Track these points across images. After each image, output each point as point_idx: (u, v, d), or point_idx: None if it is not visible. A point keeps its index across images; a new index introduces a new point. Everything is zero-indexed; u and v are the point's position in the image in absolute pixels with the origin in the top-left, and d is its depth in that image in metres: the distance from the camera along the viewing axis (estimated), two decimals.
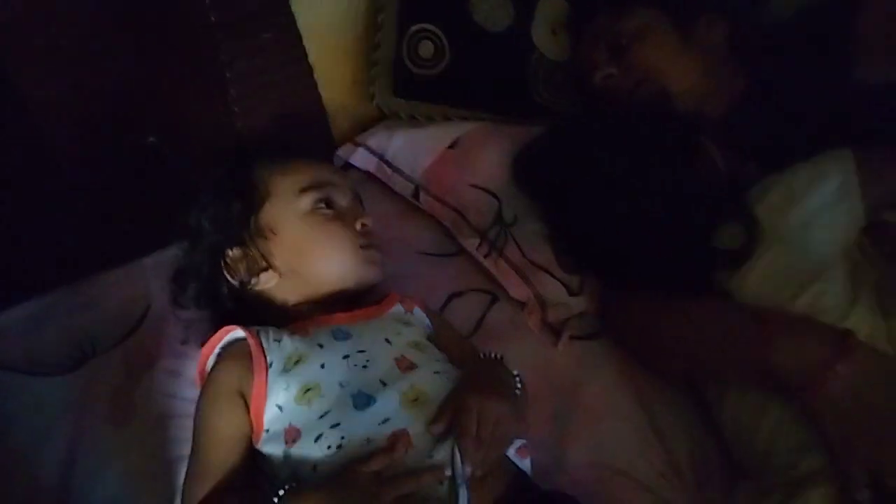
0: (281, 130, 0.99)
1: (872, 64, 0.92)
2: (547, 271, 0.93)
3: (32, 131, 1.04)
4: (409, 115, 1.07)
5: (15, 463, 0.72)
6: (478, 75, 1.07)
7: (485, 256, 0.96)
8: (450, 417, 0.62)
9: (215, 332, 0.78)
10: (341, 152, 1.08)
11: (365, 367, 0.68)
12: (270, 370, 0.67)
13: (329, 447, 0.61)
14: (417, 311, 0.81)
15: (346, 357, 0.69)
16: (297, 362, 0.68)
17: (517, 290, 0.93)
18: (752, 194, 0.83)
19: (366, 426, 0.63)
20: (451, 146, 1.03)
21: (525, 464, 0.71)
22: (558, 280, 0.93)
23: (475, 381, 0.68)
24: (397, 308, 0.80)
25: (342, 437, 0.62)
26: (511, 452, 0.69)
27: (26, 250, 0.93)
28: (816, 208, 0.80)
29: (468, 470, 0.59)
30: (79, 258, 0.93)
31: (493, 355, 0.73)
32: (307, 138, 1.04)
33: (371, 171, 1.07)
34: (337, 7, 1.03)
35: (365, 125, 1.11)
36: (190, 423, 0.75)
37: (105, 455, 0.73)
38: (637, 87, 0.98)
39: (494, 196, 0.98)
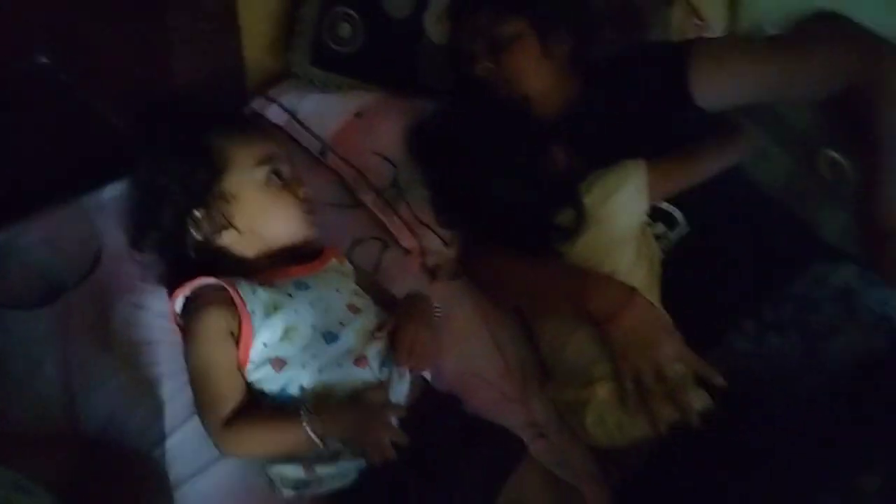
0: (207, 85, 1.10)
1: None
2: (430, 228, 1.20)
3: None
4: (321, 82, 1.23)
5: (21, 386, 0.84)
6: (384, 56, 1.25)
7: (381, 211, 1.20)
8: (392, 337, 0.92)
9: (171, 274, 0.96)
10: (256, 105, 1.21)
11: (326, 311, 0.92)
12: (254, 317, 0.86)
13: (313, 371, 0.86)
14: (347, 263, 1.05)
15: (311, 304, 0.91)
16: (275, 309, 0.88)
17: (407, 241, 1.19)
18: (583, 187, 1.17)
19: (335, 355, 0.88)
20: (357, 114, 1.22)
21: (427, 374, 1.02)
22: (437, 235, 1.21)
23: (412, 313, 0.96)
24: (333, 261, 1.02)
25: (321, 364, 0.87)
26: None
27: None
28: (622, 202, 1.15)
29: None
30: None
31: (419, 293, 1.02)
32: (225, 91, 1.16)
33: (281, 125, 1.22)
34: None
35: (272, 80, 1.25)
36: (162, 349, 0.94)
37: (98, 376, 0.88)
38: (507, 86, 1.23)
39: (392, 164, 1.21)
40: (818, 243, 1.23)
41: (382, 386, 0.88)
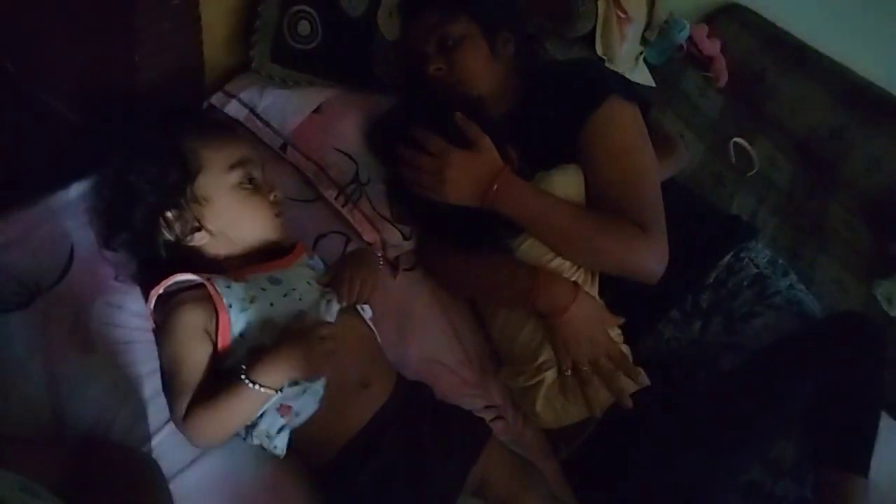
0: (167, 81, 1.10)
1: None
2: (389, 221, 1.25)
3: None
4: (281, 78, 1.24)
5: (7, 390, 0.83)
6: (341, 52, 1.27)
7: (342, 206, 1.24)
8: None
9: (145, 272, 0.97)
10: (215, 101, 1.21)
11: (300, 299, 0.96)
12: (231, 310, 0.90)
13: None
14: (316, 257, 1.09)
15: (285, 295, 0.95)
16: (251, 302, 0.92)
17: (368, 234, 1.23)
18: None
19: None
20: (316, 110, 1.25)
21: (367, 310, 1.07)
22: (397, 228, 1.26)
23: (351, 261, 1.06)
24: (304, 256, 1.06)
25: None
26: None
27: None
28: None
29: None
30: None
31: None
32: (184, 87, 1.16)
33: (241, 120, 1.23)
34: None
35: (228, 75, 1.25)
36: (140, 348, 0.96)
37: (82, 378, 0.88)
38: (458, 85, 1.27)
39: (353, 160, 1.24)
40: (731, 228, 1.37)
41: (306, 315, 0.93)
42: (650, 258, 1.13)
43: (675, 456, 1.10)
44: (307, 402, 0.90)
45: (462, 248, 1.25)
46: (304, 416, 0.90)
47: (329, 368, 0.88)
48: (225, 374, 0.89)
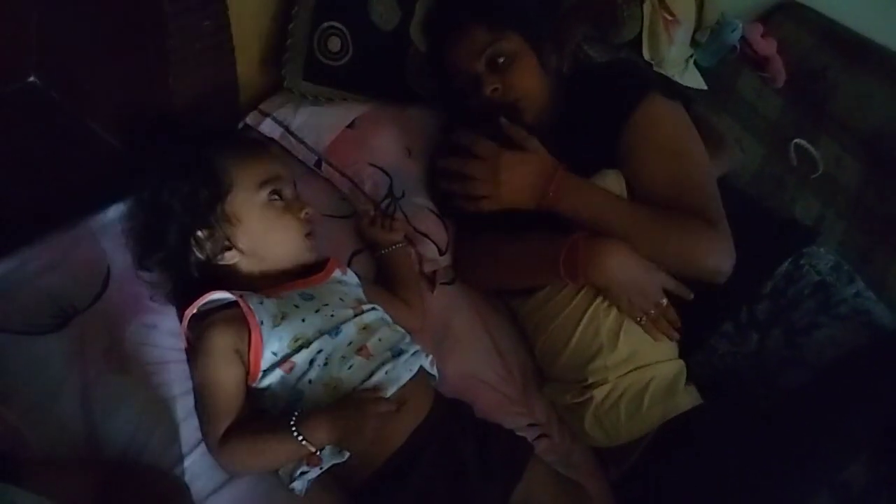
0: (202, 102, 1.11)
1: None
2: (425, 235, 1.22)
3: None
4: (313, 95, 1.24)
5: (39, 411, 0.84)
6: (373, 67, 1.26)
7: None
8: None
9: (179, 291, 0.97)
10: (249, 120, 1.22)
11: (332, 316, 0.94)
12: (263, 327, 0.88)
13: (320, 365, 0.89)
14: (349, 272, 1.07)
15: (317, 311, 0.94)
16: (282, 318, 0.90)
17: None
18: None
19: (339, 346, 0.92)
20: (349, 126, 1.24)
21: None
22: (433, 242, 1.23)
23: None
24: (337, 272, 1.05)
25: (327, 356, 0.90)
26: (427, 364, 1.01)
27: None
28: None
29: None
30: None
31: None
32: (219, 107, 1.17)
33: (275, 138, 1.23)
34: None
35: (263, 94, 1.26)
36: (174, 368, 0.95)
37: (115, 399, 0.88)
38: (515, 103, 1.20)
39: (387, 174, 1.23)
40: (789, 233, 1.28)
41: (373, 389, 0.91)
42: (718, 254, 1.09)
43: (733, 479, 1.02)
44: (335, 460, 0.88)
45: (496, 232, 1.21)
46: (324, 467, 0.88)
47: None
48: (258, 397, 0.89)
